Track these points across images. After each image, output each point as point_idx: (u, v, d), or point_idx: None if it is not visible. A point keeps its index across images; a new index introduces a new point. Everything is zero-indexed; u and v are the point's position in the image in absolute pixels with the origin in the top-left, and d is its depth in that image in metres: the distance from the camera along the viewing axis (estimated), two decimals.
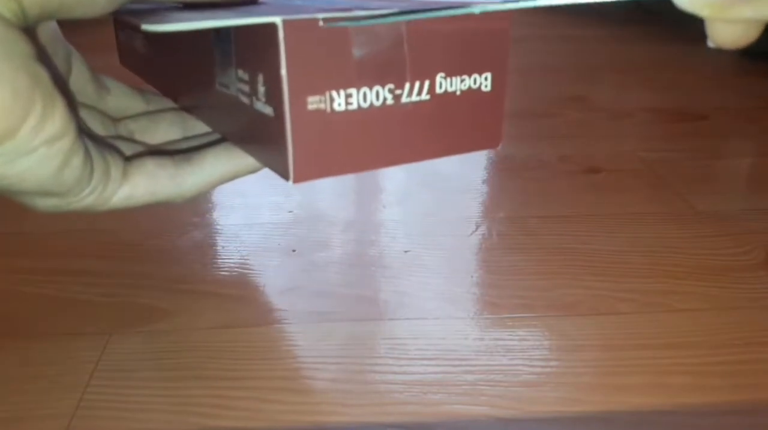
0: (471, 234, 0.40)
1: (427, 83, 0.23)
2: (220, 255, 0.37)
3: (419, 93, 0.23)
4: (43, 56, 0.21)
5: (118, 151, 0.27)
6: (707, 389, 0.27)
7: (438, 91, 0.23)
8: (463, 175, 0.48)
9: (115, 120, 0.30)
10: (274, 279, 0.35)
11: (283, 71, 0.20)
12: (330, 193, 0.45)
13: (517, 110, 0.64)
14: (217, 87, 0.26)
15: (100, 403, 0.27)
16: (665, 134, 0.57)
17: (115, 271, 0.36)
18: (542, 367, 0.29)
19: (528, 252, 0.38)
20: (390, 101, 0.22)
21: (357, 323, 0.32)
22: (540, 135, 0.56)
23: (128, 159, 0.27)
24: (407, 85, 0.23)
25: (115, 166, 0.26)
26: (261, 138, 0.23)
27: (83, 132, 0.24)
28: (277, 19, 0.20)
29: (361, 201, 0.44)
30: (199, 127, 0.31)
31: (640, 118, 0.61)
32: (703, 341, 0.30)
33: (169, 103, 0.32)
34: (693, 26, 0.95)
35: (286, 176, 0.22)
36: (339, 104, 0.21)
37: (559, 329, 0.31)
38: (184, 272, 0.36)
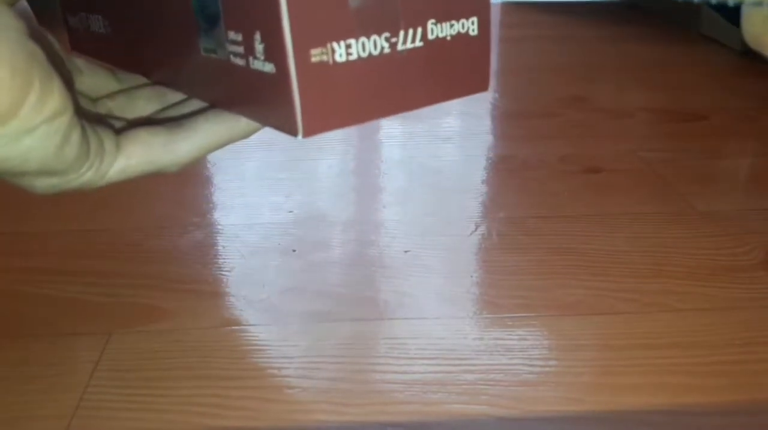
0: (471, 234, 0.40)
1: (419, 30, 0.24)
2: (220, 255, 0.37)
3: (413, 40, 0.24)
4: (34, 33, 0.21)
5: (108, 125, 0.27)
6: (707, 389, 0.27)
7: (430, 37, 0.25)
8: (463, 175, 0.48)
9: (92, 99, 0.30)
10: (274, 279, 0.35)
11: (285, 25, 0.21)
12: (330, 193, 0.45)
13: (517, 110, 0.64)
14: (202, 54, 0.26)
15: (100, 403, 0.27)
16: (665, 134, 0.57)
17: (115, 271, 0.36)
18: (542, 367, 0.29)
19: (528, 252, 0.38)
20: (387, 50, 0.24)
21: (357, 323, 0.32)
22: (540, 135, 0.56)
23: (118, 132, 0.27)
24: (401, 33, 0.24)
25: (108, 139, 0.26)
26: (261, 97, 0.24)
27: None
28: None
29: (361, 201, 0.44)
30: (177, 99, 0.31)
31: (640, 118, 0.61)
32: (703, 341, 0.30)
33: (141, 80, 0.32)
34: (693, 26, 0.95)
35: (294, 132, 0.23)
36: (340, 55, 0.22)
37: (558, 329, 0.31)
38: (184, 272, 0.36)
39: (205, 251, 0.38)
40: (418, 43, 0.24)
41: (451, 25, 0.25)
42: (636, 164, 0.50)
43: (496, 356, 0.29)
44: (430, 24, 0.24)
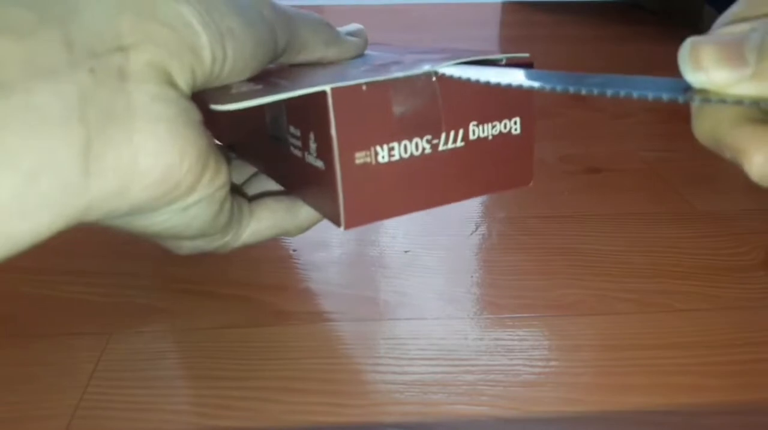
0: (471, 234, 0.40)
1: (461, 132, 0.26)
2: (219, 255, 0.37)
3: (454, 141, 0.25)
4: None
5: (242, 193, 0.31)
6: (707, 389, 0.27)
7: (471, 137, 0.26)
8: None
9: None
10: (274, 279, 0.35)
11: (333, 132, 0.23)
12: None
13: None
14: (269, 140, 0.28)
15: (100, 403, 0.27)
16: (665, 134, 0.57)
17: (115, 271, 0.36)
18: (542, 367, 0.29)
19: (528, 252, 0.38)
20: (428, 150, 0.25)
21: (357, 323, 0.32)
22: (540, 135, 0.56)
23: (249, 200, 0.30)
24: (443, 135, 0.25)
25: (245, 205, 0.29)
26: (313, 187, 0.26)
27: None
28: (326, 87, 0.22)
29: None
30: None
31: (640, 118, 0.61)
32: (703, 341, 0.30)
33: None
34: (694, 26, 0.95)
35: (337, 223, 0.25)
36: (383, 157, 0.24)
37: (559, 329, 0.31)
38: (184, 272, 0.36)
39: (204, 251, 0.38)
40: (459, 144, 0.25)
41: (493, 126, 0.26)
42: (636, 164, 0.50)
43: (497, 357, 0.29)
44: (471, 126, 0.25)
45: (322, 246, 0.38)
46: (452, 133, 0.25)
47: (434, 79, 0.24)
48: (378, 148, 0.23)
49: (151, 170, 0.22)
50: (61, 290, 0.34)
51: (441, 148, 0.25)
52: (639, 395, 0.27)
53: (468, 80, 0.23)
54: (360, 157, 0.23)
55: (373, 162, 0.23)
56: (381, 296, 0.34)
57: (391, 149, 0.24)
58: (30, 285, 0.35)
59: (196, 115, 0.24)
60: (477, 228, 0.40)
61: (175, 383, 0.28)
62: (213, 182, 0.24)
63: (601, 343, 0.30)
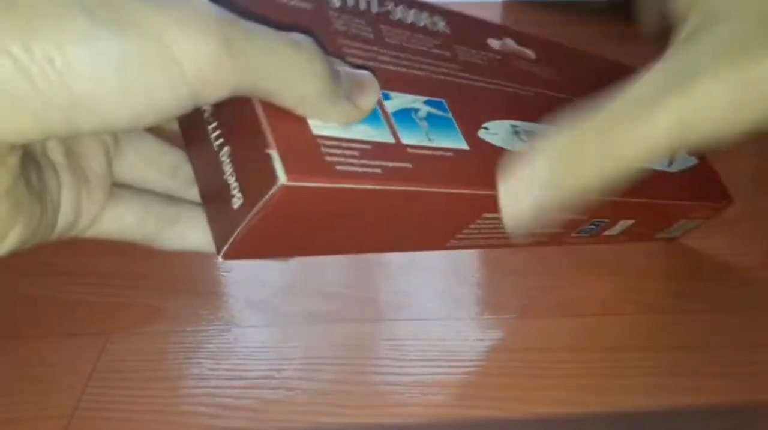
0: None
1: None
2: (220, 256, 0.37)
3: None
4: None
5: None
6: (708, 391, 0.27)
7: None
8: None
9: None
10: (273, 279, 0.35)
11: None
12: None
13: None
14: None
15: (100, 403, 0.27)
16: None
17: (115, 271, 0.36)
18: (543, 368, 0.29)
19: (529, 252, 0.38)
20: None
21: (357, 323, 0.31)
22: None
23: None
24: None
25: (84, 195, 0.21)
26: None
27: None
28: None
29: None
30: None
31: None
32: (705, 342, 0.30)
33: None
34: None
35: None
36: None
37: (559, 330, 0.31)
38: (184, 272, 0.36)
39: (204, 252, 0.38)
40: None
41: None
42: None
43: (497, 358, 0.29)
44: None
45: None
46: None
47: None
48: None
49: None
50: (61, 290, 0.34)
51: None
52: (640, 397, 0.27)
53: None
54: None
55: None
56: (381, 296, 0.34)
57: None
58: (29, 285, 0.35)
59: None
60: None
61: (174, 384, 0.28)
62: None
63: (602, 344, 0.30)
